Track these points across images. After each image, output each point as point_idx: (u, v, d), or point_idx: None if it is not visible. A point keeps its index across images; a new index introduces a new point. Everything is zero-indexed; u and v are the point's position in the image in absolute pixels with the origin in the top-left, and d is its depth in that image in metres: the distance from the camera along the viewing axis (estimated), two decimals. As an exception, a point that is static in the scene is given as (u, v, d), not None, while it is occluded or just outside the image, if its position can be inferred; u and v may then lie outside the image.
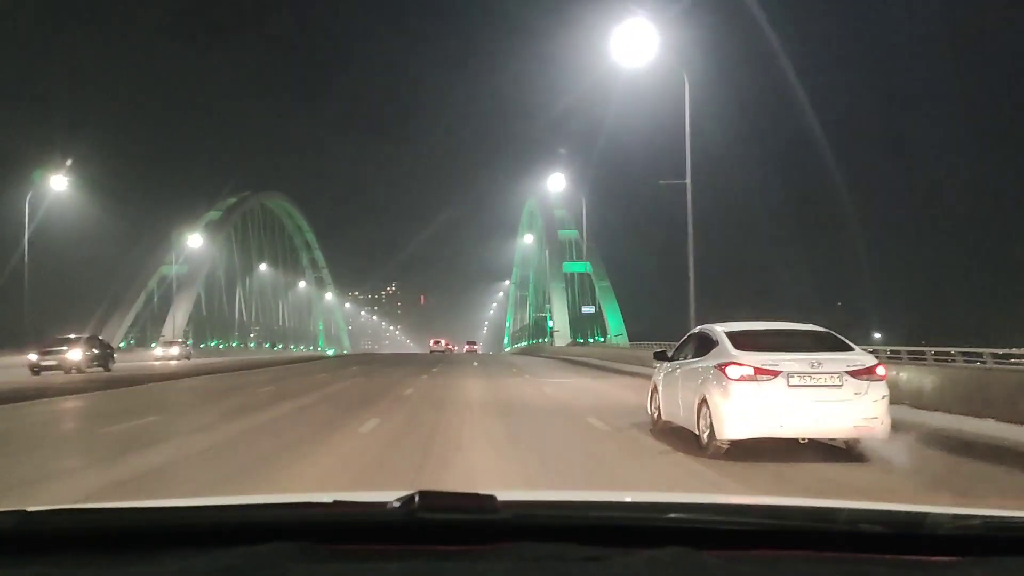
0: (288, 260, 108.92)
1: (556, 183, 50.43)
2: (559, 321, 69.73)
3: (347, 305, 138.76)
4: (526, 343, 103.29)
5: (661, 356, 11.02)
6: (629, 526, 1.58)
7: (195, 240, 67.14)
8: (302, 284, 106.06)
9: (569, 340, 68.28)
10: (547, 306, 70.66)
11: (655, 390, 10.96)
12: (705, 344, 9.41)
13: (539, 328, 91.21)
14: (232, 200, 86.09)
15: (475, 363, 42.58)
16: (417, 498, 1.45)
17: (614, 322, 69.15)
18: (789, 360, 8.29)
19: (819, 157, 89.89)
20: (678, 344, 10.75)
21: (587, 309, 47.38)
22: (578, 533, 1.47)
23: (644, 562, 1.34)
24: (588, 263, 75.32)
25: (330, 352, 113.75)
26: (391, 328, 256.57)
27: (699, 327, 10.31)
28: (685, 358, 10.00)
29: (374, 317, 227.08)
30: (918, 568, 1.43)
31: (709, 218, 78.85)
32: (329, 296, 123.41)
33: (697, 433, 8.93)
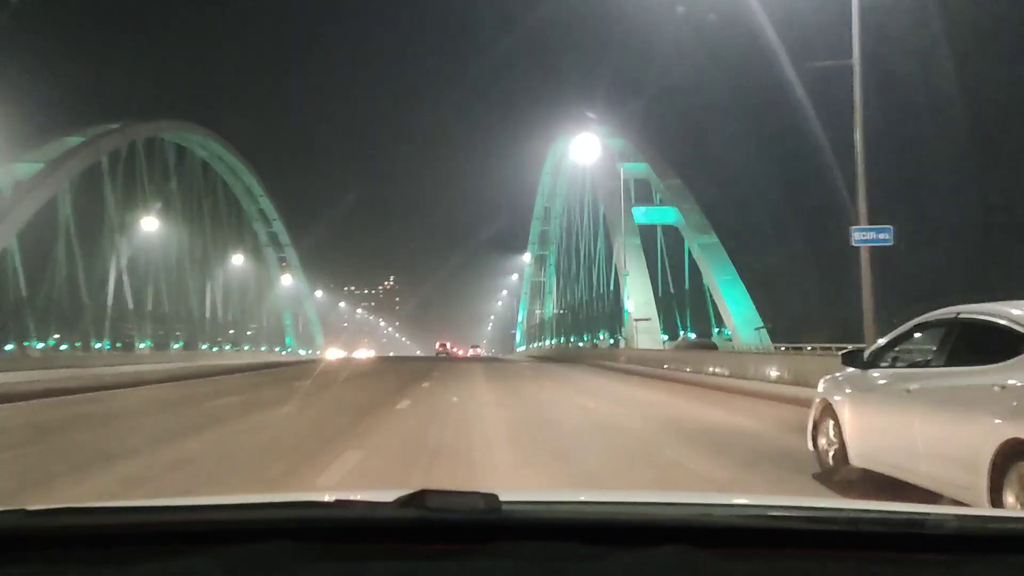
0: (228, 229, 76.74)
1: None
2: (640, 303, 37.45)
3: (318, 293, 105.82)
4: (551, 341, 71.28)
5: (852, 360, 6.39)
6: (630, 525, 1.52)
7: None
8: (239, 260, 73.10)
9: (667, 339, 36.39)
10: (624, 274, 38.22)
11: (827, 411, 6.47)
12: (986, 341, 4.88)
13: (579, 321, 58.74)
14: (112, 126, 53.87)
15: (488, 389, 18.64)
16: (418, 497, 1.43)
17: (737, 307, 36.82)
18: None
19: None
20: (887, 340, 6.19)
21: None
22: (579, 532, 1.43)
23: (645, 561, 1.31)
24: (675, 208, 43.18)
25: (302, 353, 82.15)
26: (388, 327, 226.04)
27: (948, 311, 5.40)
28: (911, 364, 5.85)
29: (359, 311, 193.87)
30: (918, 567, 1.38)
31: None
32: (288, 280, 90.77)
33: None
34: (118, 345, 54.99)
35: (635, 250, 39.64)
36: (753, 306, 36.63)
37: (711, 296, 40.25)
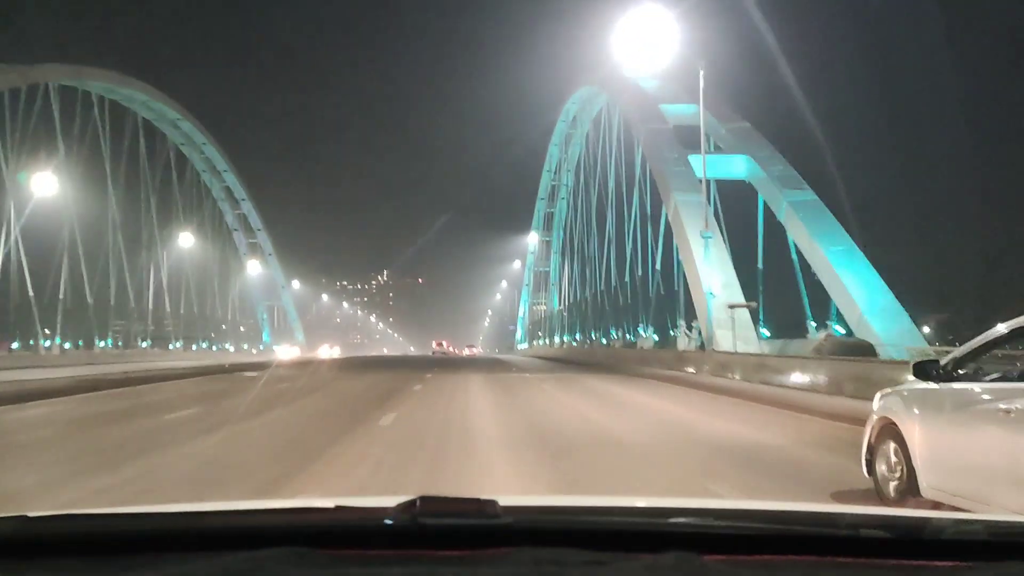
0: (184, 207, 64.46)
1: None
2: (720, 285, 24.81)
3: (295, 283, 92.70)
4: (561, 339, 59.40)
5: (925, 371, 5.05)
6: (631, 531, 1.50)
7: None
8: (197, 244, 60.21)
9: (773, 341, 24.24)
10: (704, 235, 25.47)
11: (888, 432, 5.32)
12: None
13: (604, 313, 46.42)
14: (4, 65, 41.56)
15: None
16: (418, 503, 1.41)
17: (864, 290, 24.46)
18: None
19: None
20: (969, 348, 4.95)
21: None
22: (579, 538, 1.41)
23: (645, 567, 1.29)
24: (746, 156, 30.95)
25: (275, 350, 69.95)
26: (379, 323, 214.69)
27: None
28: (1002, 377, 4.74)
29: (345, 305, 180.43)
30: (920, 573, 1.37)
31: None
32: (264, 269, 78.38)
33: None
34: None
35: (701, 210, 27.38)
36: (887, 289, 24.35)
37: (802, 275, 28.05)
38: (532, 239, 73.98)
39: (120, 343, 54.17)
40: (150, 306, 57.99)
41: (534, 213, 74.77)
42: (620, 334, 41.57)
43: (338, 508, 1.55)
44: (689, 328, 28.14)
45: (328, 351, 66.05)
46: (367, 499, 1.69)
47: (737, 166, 31.27)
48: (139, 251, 57.03)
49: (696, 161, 30.65)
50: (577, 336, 53.71)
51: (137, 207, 57.40)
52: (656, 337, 36.20)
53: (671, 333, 34.22)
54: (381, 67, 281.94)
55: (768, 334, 30.28)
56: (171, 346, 61.31)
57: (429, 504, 1.40)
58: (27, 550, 1.44)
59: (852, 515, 1.62)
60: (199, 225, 67.59)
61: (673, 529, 1.48)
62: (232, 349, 73.50)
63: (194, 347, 66.64)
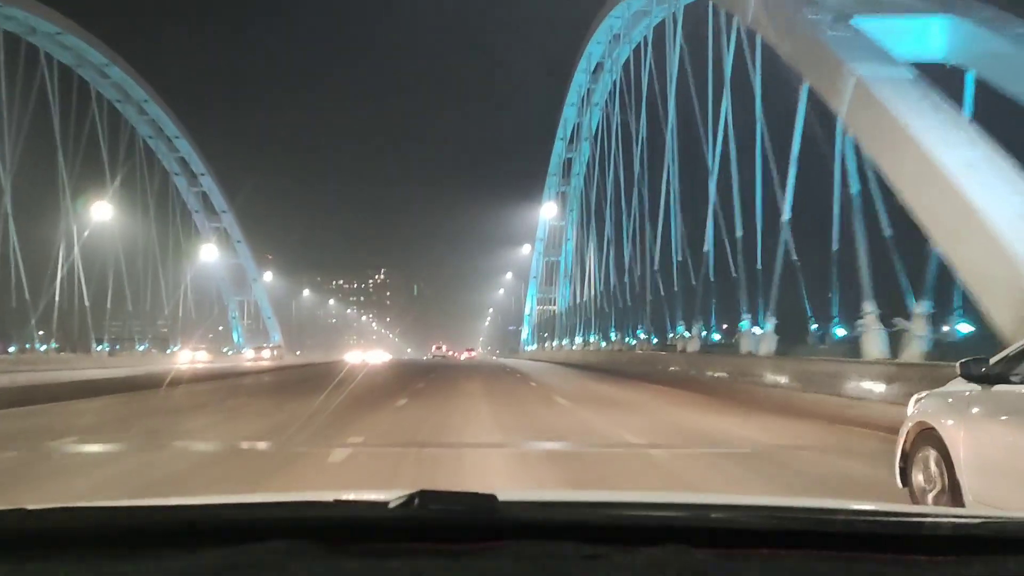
0: (117, 178, 50.84)
1: None
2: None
3: (268, 276, 78.08)
4: (584, 339, 46.47)
5: (973, 371, 4.56)
6: (628, 525, 1.50)
7: None
8: (103, 212, 46.04)
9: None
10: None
11: (926, 438, 4.90)
12: None
13: (658, 304, 32.51)
14: None
15: None
16: (417, 497, 1.43)
17: None
18: None
19: None
20: (1020, 347, 4.49)
21: None
22: (577, 532, 1.41)
23: (643, 560, 1.29)
24: (951, 17, 17.15)
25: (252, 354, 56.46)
26: (373, 322, 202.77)
27: None
28: None
29: (332, 302, 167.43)
30: (916, 567, 1.36)
31: None
32: (218, 256, 64.68)
33: None
34: None
35: (921, 90, 13.98)
36: None
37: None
38: (547, 213, 60.62)
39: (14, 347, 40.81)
40: (56, 299, 44.24)
41: (544, 192, 61.64)
42: (675, 333, 27.89)
43: (337, 502, 1.52)
44: (904, 317, 14.54)
45: (253, 354, 52.08)
46: (366, 493, 1.66)
47: (932, 38, 17.62)
48: (43, 231, 43.58)
49: (874, 26, 17.04)
50: (611, 336, 40.15)
51: (51, 176, 44.12)
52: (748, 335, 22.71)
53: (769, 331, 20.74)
54: (374, 51, 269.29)
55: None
56: (99, 348, 48.10)
57: (428, 498, 1.39)
58: (25, 543, 1.41)
59: (848, 510, 1.62)
60: (141, 202, 54.31)
61: (670, 523, 1.46)
62: (177, 349, 60.26)
63: (139, 348, 53.75)
